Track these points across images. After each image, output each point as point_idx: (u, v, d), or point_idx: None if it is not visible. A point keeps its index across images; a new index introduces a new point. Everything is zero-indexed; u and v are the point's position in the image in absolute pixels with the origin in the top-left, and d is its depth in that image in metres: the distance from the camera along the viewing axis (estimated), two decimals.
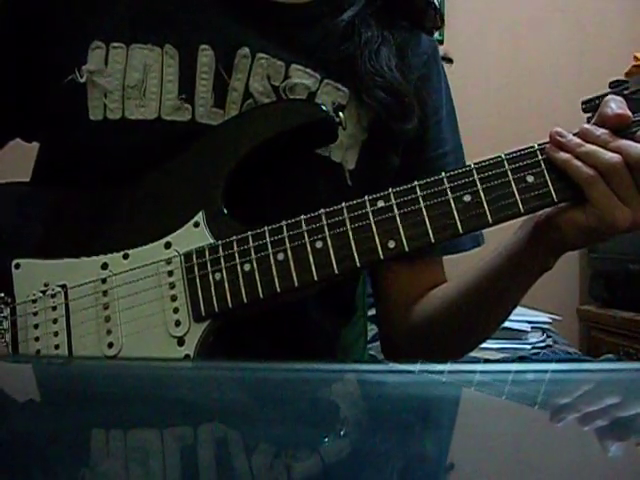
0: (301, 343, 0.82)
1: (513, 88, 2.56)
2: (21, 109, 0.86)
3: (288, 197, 0.75)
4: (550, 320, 2.19)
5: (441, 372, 0.61)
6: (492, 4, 2.62)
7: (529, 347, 2.09)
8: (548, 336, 2.17)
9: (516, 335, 2.06)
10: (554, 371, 0.63)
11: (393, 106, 0.82)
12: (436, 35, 2.92)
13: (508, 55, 2.61)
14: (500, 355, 1.98)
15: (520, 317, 2.05)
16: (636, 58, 2.32)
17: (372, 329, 1.79)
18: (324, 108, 0.79)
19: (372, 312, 1.79)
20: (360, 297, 1.27)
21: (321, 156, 0.81)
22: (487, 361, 1.69)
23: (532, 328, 2.12)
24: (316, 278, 0.70)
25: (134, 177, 0.77)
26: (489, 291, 0.82)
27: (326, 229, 0.71)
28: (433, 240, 0.69)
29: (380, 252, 0.70)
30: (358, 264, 0.70)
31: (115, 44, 0.79)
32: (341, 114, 0.81)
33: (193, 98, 0.79)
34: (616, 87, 2.00)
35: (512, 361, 1.93)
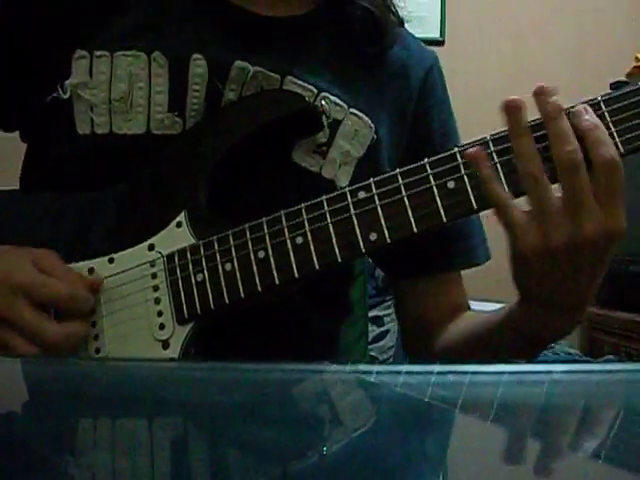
0: (296, 343, 0.82)
1: (513, 89, 2.55)
2: (3, 115, 0.85)
3: (276, 211, 0.73)
4: None
5: (438, 373, 0.61)
6: (492, 4, 2.62)
7: None
8: None
9: None
10: (554, 372, 0.63)
11: (369, 26, 0.82)
12: (436, 35, 2.92)
13: (509, 56, 2.61)
14: None
15: None
16: (637, 59, 2.32)
17: (372, 330, 1.79)
18: (304, 96, 0.77)
19: (373, 313, 1.80)
20: (361, 298, 1.27)
21: (311, 172, 0.79)
22: (486, 361, 1.69)
23: None
24: (297, 275, 0.68)
25: (116, 182, 0.76)
26: (495, 343, 0.79)
27: (306, 224, 0.69)
28: (416, 230, 0.66)
29: (361, 245, 0.67)
30: (339, 259, 0.68)
31: (98, 52, 0.76)
32: (324, 102, 0.79)
33: (184, 111, 0.77)
34: (617, 89, 2.00)
35: (512, 362, 1.93)
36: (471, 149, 0.66)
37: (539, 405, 0.50)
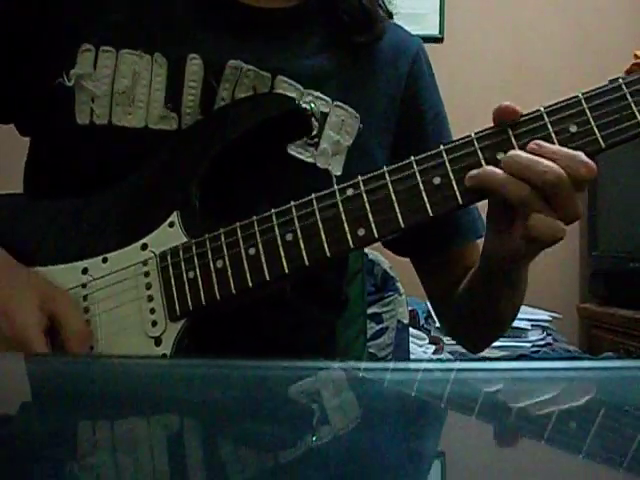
0: (291, 338, 0.83)
1: (512, 86, 2.56)
2: (4, 101, 0.85)
3: (275, 205, 0.74)
4: (550, 318, 2.19)
5: (432, 370, 0.61)
6: (491, 2, 2.62)
7: (529, 345, 2.09)
8: (548, 334, 2.17)
9: (516, 333, 2.06)
10: (553, 369, 0.63)
11: (358, 16, 0.84)
12: (435, 32, 2.93)
13: (508, 54, 2.60)
14: (500, 353, 1.98)
15: (520, 315, 2.04)
16: (636, 56, 2.32)
17: (371, 327, 1.79)
18: (295, 99, 0.79)
19: (371, 310, 1.80)
20: (359, 296, 1.28)
21: (307, 163, 0.81)
22: (487, 359, 1.69)
23: (532, 326, 2.12)
24: (287, 271, 0.69)
25: (111, 182, 0.77)
26: (480, 290, 0.84)
27: (296, 221, 0.70)
28: (403, 225, 0.68)
29: (350, 241, 0.69)
30: (328, 254, 0.69)
31: (105, 48, 0.78)
32: (313, 105, 0.80)
33: (180, 107, 0.79)
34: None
35: (512, 359, 1.94)
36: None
37: (537, 403, 0.50)
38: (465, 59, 2.54)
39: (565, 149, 0.66)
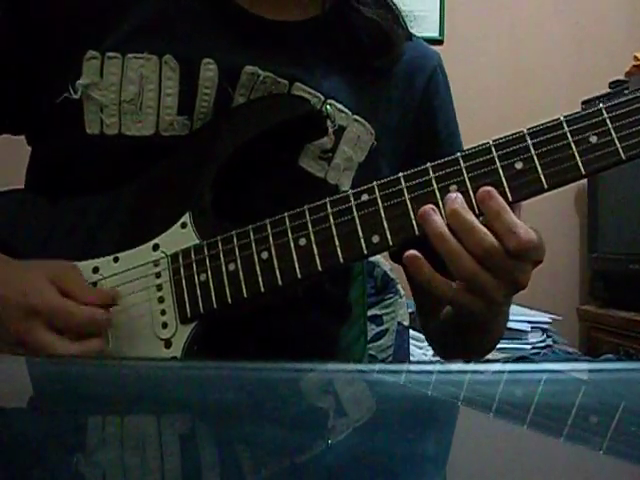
0: (297, 344, 0.82)
1: (513, 88, 2.56)
2: (9, 116, 0.85)
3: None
4: (550, 320, 2.19)
5: (438, 372, 0.61)
6: (492, 4, 2.62)
7: (529, 347, 2.09)
8: (548, 336, 2.17)
9: (516, 335, 2.06)
10: (553, 371, 0.63)
11: (377, 40, 0.83)
12: (435, 34, 2.92)
13: (508, 55, 2.60)
14: (500, 355, 1.98)
15: (520, 317, 2.05)
16: (636, 58, 2.32)
17: (371, 329, 1.79)
18: (309, 101, 0.78)
19: (371, 312, 1.80)
20: (360, 298, 1.28)
21: (317, 177, 0.80)
22: (487, 361, 1.69)
23: (532, 328, 2.12)
24: (300, 276, 0.69)
25: (123, 182, 0.77)
26: (451, 333, 0.84)
27: (309, 225, 0.70)
28: (418, 233, 0.67)
29: (364, 247, 0.68)
30: (341, 260, 0.69)
31: (110, 54, 0.77)
32: (329, 107, 0.79)
33: (192, 113, 0.77)
34: (616, 87, 1.99)
35: (512, 361, 1.94)
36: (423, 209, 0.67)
37: (538, 404, 0.50)
38: (465, 61, 2.53)
39: (505, 217, 0.64)
